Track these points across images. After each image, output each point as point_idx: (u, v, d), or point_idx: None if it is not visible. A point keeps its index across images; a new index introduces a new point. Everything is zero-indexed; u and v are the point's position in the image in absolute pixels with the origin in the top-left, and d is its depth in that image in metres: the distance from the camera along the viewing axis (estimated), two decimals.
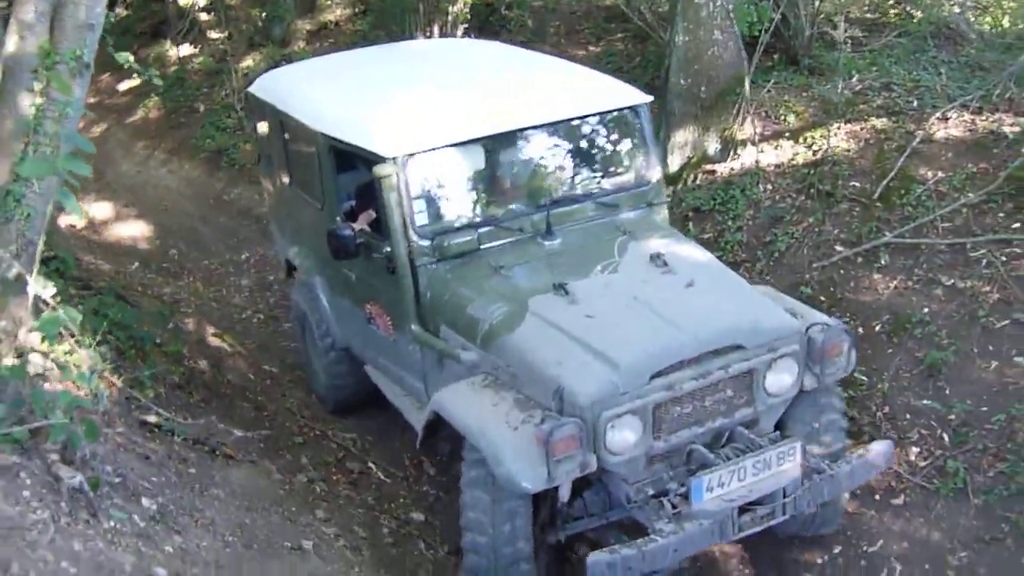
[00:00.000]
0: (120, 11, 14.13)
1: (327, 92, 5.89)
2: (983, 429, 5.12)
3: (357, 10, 12.47)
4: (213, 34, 13.24)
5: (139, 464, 4.24)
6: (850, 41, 8.68)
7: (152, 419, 4.87)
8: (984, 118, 7.05)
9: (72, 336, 4.07)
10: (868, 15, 9.61)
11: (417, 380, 5.13)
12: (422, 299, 4.81)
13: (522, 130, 5.12)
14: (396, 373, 5.40)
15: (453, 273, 4.78)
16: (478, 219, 5.00)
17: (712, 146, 7.91)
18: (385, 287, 5.02)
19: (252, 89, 6.57)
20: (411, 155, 4.75)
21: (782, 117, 7.77)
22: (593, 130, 5.40)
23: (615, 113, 5.36)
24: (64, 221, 8.96)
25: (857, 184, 6.82)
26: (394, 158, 4.70)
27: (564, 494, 4.15)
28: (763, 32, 8.09)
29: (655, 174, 5.39)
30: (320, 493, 5.26)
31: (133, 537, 3.57)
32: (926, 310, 5.86)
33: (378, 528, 5.09)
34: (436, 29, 11.07)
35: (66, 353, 4.30)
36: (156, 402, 5.16)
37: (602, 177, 5.38)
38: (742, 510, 4.09)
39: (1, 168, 4.58)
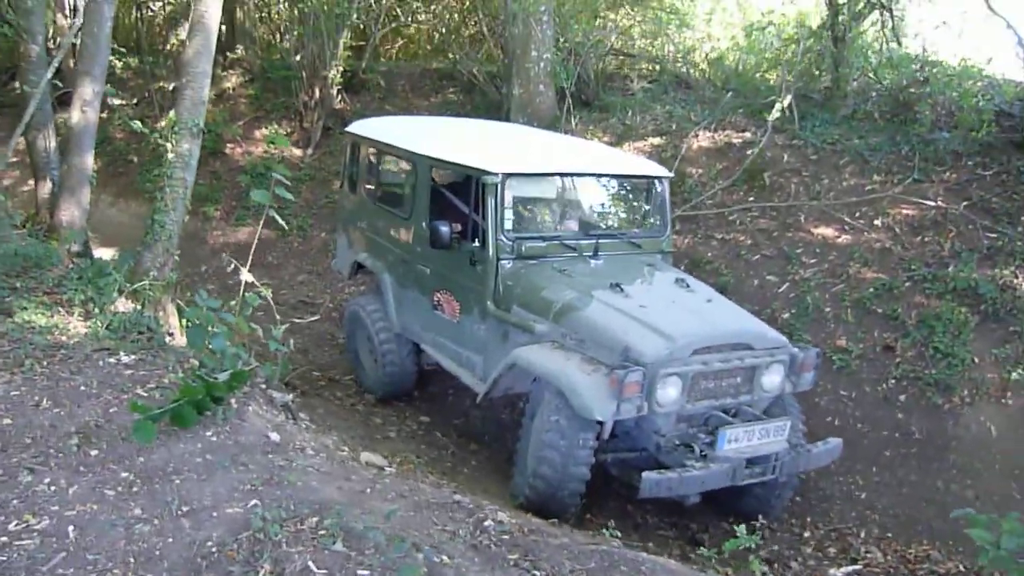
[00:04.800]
0: None
1: (429, 131, 6.09)
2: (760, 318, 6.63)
3: (247, 79, 12.61)
4: (118, 100, 12.83)
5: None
6: (629, 88, 10.14)
7: None
8: (719, 134, 8.67)
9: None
10: (647, 68, 10.94)
11: (476, 354, 5.16)
12: (497, 287, 4.95)
13: (583, 174, 5.55)
14: (454, 350, 5.38)
15: (526, 269, 4.95)
16: (547, 233, 5.30)
17: None
18: (462, 277, 5.15)
19: (350, 129, 6.62)
20: (510, 174, 4.99)
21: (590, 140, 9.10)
22: (630, 189, 5.85)
23: (644, 180, 5.68)
24: None
25: None
26: (498, 174, 4.92)
27: (607, 430, 4.32)
28: (570, 84, 9.46)
29: (668, 229, 5.59)
30: (363, 411, 6.03)
31: (312, 431, 4.39)
32: (709, 255, 7.32)
33: (405, 427, 5.95)
34: (316, 91, 11.00)
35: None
36: None
37: (632, 224, 5.72)
38: (747, 463, 4.24)
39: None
